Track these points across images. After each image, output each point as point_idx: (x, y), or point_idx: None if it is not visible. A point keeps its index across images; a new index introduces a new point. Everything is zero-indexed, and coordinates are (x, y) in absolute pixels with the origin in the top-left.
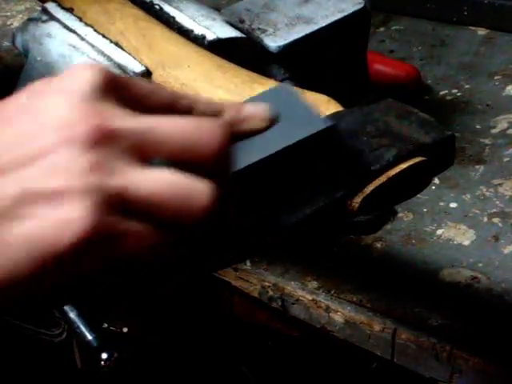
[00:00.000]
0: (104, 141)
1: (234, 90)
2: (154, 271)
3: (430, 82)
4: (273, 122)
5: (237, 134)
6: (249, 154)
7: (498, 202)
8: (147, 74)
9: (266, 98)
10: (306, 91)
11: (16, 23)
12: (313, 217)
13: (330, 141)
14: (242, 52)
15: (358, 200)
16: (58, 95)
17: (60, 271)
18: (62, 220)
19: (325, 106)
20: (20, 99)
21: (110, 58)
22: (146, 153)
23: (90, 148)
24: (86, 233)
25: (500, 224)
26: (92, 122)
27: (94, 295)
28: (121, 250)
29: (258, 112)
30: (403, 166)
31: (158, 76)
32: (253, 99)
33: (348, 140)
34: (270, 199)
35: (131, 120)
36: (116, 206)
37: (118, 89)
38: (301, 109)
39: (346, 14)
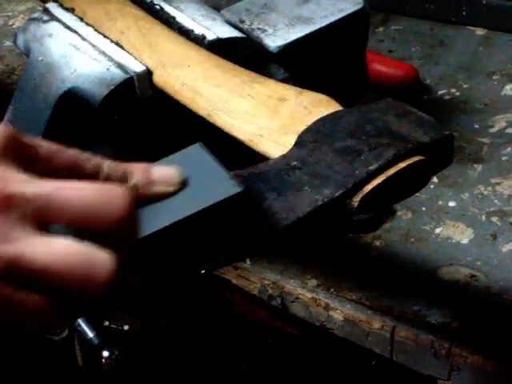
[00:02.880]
0: (1, 207)
1: (234, 90)
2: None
3: (428, 81)
4: (182, 185)
5: (144, 198)
6: (156, 220)
7: (496, 201)
8: (148, 73)
9: (179, 159)
10: (305, 91)
11: (17, 23)
12: (312, 216)
13: (241, 203)
14: (242, 52)
15: (357, 199)
16: None
17: None
18: None
19: (324, 105)
20: None
21: (110, 58)
22: (45, 219)
23: None
24: None
25: (498, 222)
26: None
27: None
28: (11, 322)
29: (166, 175)
30: (402, 165)
31: (158, 75)
32: (165, 161)
33: (258, 200)
34: (180, 256)
35: (31, 185)
36: (10, 275)
37: (19, 150)
38: (213, 171)
39: (345, 14)
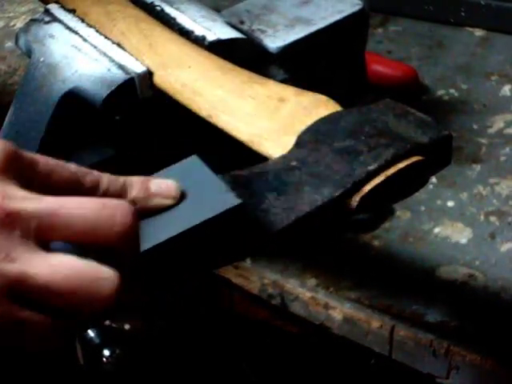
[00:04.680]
0: (3, 224)
1: (234, 90)
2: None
3: (427, 82)
4: (180, 198)
5: (143, 211)
6: (155, 233)
7: (494, 201)
8: (148, 74)
9: (176, 172)
10: (305, 91)
11: (19, 24)
12: (312, 216)
13: (240, 214)
14: (242, 53)
15: (356, 199)
16: None
17: None
18: None
19: (324, 106)
20: None
21: (111, 59)
22: (47, 236)
23: None
24: None
25: (496, 222)
26: None
27: None
28: (16, 342)
29: (164, 188)
30: (401, 165)
31: (159, 76)
32: (162, 174)
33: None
34: (180, 267)
35: (32, 201)
36: (13, 294)
37: (19, 167)
38: (211, 183)
39: (344, 15)
